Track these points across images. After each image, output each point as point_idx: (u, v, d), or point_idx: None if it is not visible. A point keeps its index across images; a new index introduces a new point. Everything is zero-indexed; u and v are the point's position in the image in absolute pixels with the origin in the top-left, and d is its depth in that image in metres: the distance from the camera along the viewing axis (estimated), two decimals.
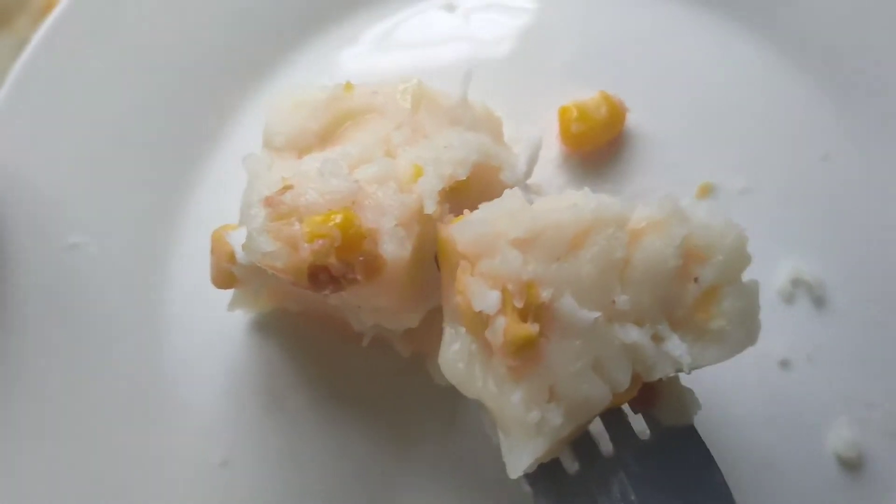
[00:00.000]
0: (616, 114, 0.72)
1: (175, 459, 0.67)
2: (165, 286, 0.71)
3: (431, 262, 0.62)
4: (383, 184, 0.56)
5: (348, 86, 0.65)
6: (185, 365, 0.69)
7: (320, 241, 0.52)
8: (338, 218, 0.52)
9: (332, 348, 0.68)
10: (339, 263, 0.52)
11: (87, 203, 0.73)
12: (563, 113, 0.72)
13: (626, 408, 0.58)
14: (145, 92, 0.76)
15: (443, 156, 0.59)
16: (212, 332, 0.69)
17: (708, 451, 0.57)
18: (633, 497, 0.54)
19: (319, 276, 0.53)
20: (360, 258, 0.53)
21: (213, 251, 0.61)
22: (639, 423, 0.57)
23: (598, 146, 0.73)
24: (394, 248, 0.54)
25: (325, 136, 0.63)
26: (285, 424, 0.67)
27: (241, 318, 0.69)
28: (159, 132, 0.75)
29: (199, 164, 0.75)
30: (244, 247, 0.55)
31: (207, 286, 0.64)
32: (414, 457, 0.66)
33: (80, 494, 0.65)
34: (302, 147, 0.62)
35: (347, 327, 0.64)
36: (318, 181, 0.55)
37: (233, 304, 0.64)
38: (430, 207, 0.56)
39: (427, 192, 0.56)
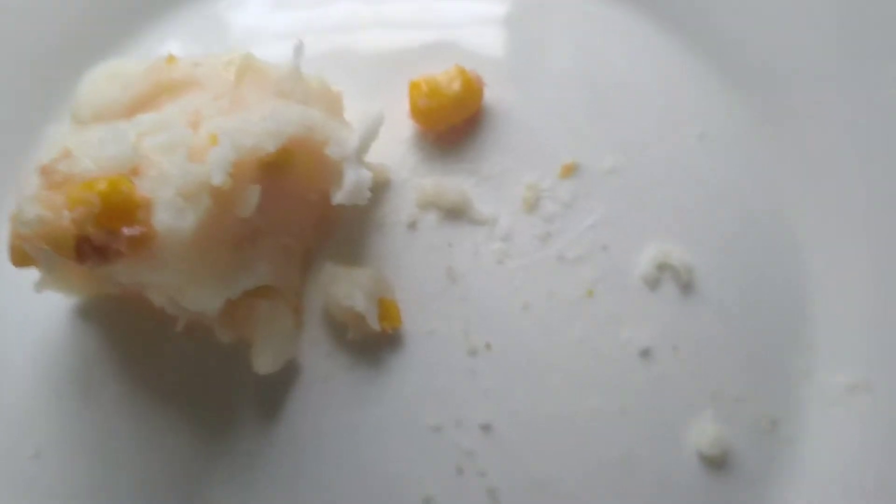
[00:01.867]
0: (471, 89, 0.67)
1: None
2: None
3: (242, 239, 0.58)
4: (171, 152, 0.53)
5: (170, 58, 0.62)
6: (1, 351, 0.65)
7: (80, 209, 0.48)
8: (102, 185, 0.49)
9: (152, 335, 0.65)
10: (101, 233, 0.49)
11: None
12: (413, 88, 0.67)
13: None
14: None
15: (246, 126, 0.55)
16: (31, 318, 0.66)
17: None
18: None
19: (84, 247, 0.49)
20: (126, 229, 0.49)
21: (10, 229, 0.57)
22: None
23: (453, 124, 0.69)
24: (169, 219, 0.51)
25: (135, 109, 0.59)
26: (100, 415, 0.63)
27: (61, 303, 0.65)
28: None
29: (26, 141, 0.71)
30: (14, 217, 0.52)
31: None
32: (234, 451, 0.62)
33: None
34: (108, 119, 0.58)
35: (166, 311, 0.60)
36: (96, 148, 0.52)
37: (40, 285, 0.60)
38: (218, 178, 0.52)
39: (217, 163, 0.53)
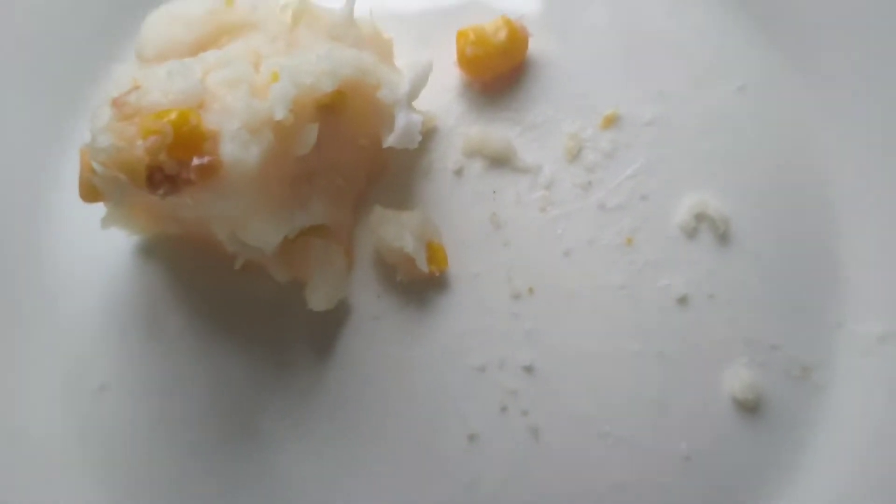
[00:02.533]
0: (517, 39, 0.69)
1: (53, 383, 0.66)
2: (46, 207, 0.70)
3: (299, 178, 0.60)
4: (235, 87, 0.55)
5: (229, 0, 0.63)
6: (63, 286, 0.68)
7: (152, 138, 0.50)
8: (172, 115, 0.51)
9: (212, 274, 0.67)
10: (173, 162, 0.50)
11: None
12: (461, 37, 0.69)
13: None
14: (32, 18, 0.74)
15: (305, 65, 0.57)
16: (95, 255, 0.68)
17: None
18: None
19: (155, 175, 0.51)
20: (196, 159, 0.51)
21: (81, 164, 0.59)
22: None
23: (498, 73, 0.70)
24: (235, 150, 0.52)
25: (198, 49, 0.61)
26: (164, 350, 0.66)
27: (123, 242, 0.68)
28: (45, 49, 0.73)
29: (88, 81, 0.72)
30: (87, 147, 0.54)
31: (91, 207, 0.62)
32: (288, 386, 0.64)
33: None
34: (173, 57, 0.60)
35: (225, 250, 0.62)
36: (164, 82, 0.54)
37: (106, 221, 0.63)
38: (280, 114, 0.54)
39: (278, 98, 0.54)
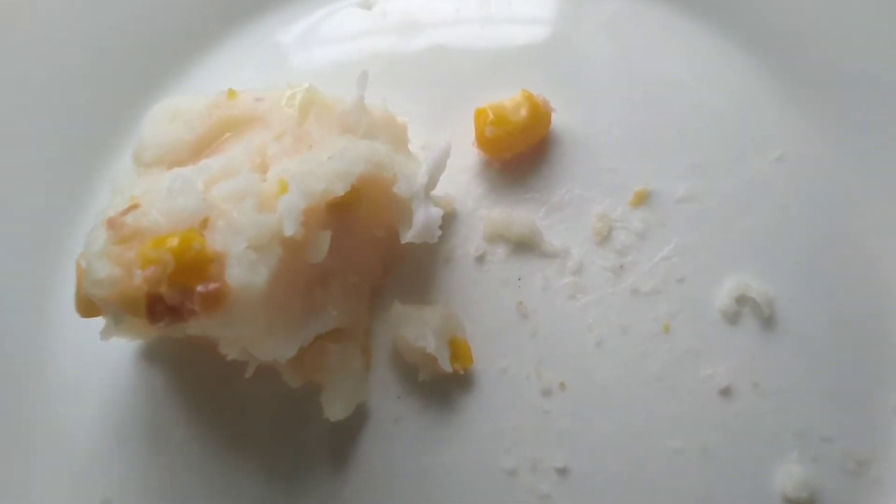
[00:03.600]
0: (539, 115, 0.65)
1: (55, 497, 0.62)
2: (50, 313, 0.67)
3: (312, 284, 0.56)
4: (241, 201, 0.51)
5: (231, 93, 0.60)
6: (65, 398, 0.65)
7: (152, 268, 0.46)
8: (174, 241, 0.47)
9: (220, 379, 0.63)
10: (175, 292, 0.47)
11: None
12: (479, 116, 0.65)
13: None
14: (32, 103, 0.71)
15: (316, 169, 0.53)
16: (97, 362, 0.65)
17: None
18: None
19: (156, 306, 0.47)
20: (199, 287, 0.47)
21: (77, 278, 0.56)
22: None
23: (519, 151, 0.66)
24: (242, 273, 0.49)
25: (201, 149, 0.58)
26: (169, 460, 0.62)
27: (127, 347, 0.64)
28: (53, 143, 0.71)
29: (85, 185, 0.70)
30: (83, 274, 0.50)
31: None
32: (307, 497, 0.60)
33: None
34: (173, 161, 0.57)
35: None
36: (164, 200, 0.50)
37: (105, 333, 0.59)
38: (290, 229, 0.50)
39: (288, 212, 0.51)
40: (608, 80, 0.69)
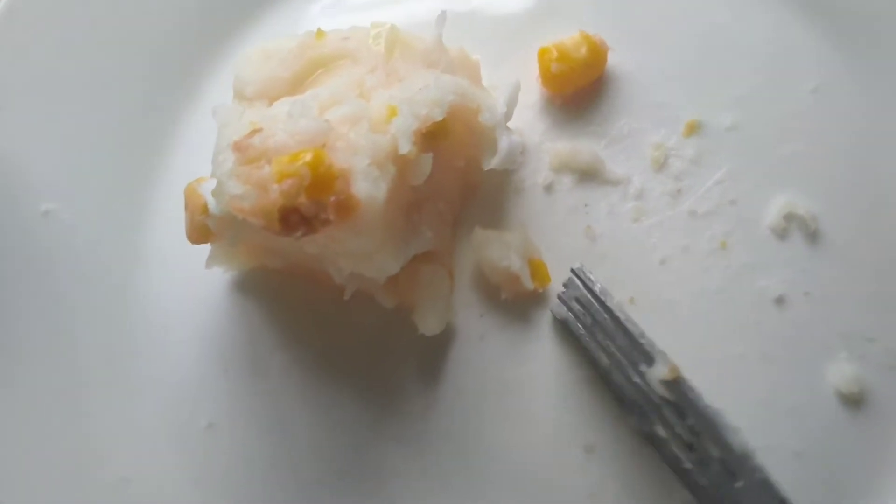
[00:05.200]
0: (597, 53, 0.70)
1: (160, 423, 0.66)
2: (142, 249, 0.70)
3: (410, 206, 0.60)
4: (356, 124, 0.55)
5: (319, 33, 0.63)
6: (165, 328, 0.68)
7: (289, 181, 0.50)
8: (307, 157, 0.51)
9: (314, 305, 0.67)
10: (310, 203, 0.50)
11: (58, 169, 0.71)
12: (543, 54, 0.70)
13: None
14: (114, 53, 0.74)
15: (418, 96, 0.57)
16: (192, 294, 0.68)
17: None
18: None
19: (290, 217, 0.51)
20: (332, 198, 0.51)
21: (186, 205, 0.59)
22: None
23: (580, 87, 0.71)
24: (367, 187, 0.52)
25: (297, 84, 0.61)
26: (270, 384, 0.66)
27: (221, 279, 0.68)
28: (130, 91, 0.74)
29: (172, 123, 0.73)
30: (214, 193, 0.53)
31: (185, 246, 0.62)
32: (401, 413, 0.65)
33: (64, 461, 0.64)
34: (273, 95, 0.61)
35: (329, 281, 0.63)
36: (287, 123, 0.53)
37: (210, 261, 0.62)
38: (405, 147, 0.54)
39: (402, 132, 0.54)
40: (657, 21, 0.74)
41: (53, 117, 0.72)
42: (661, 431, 0.59)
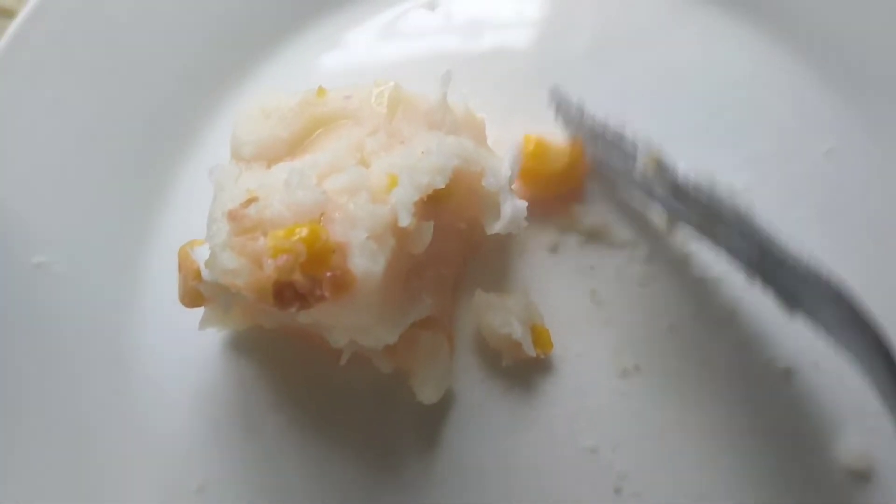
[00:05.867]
0: (577, 165, 0.68)
1: (150, 486, 0.64)
2: (135, 306, 0.68)
3: (409, 274, 0.59)
4: (355, 194, 0.53)
5: (320, 91, 0.62)
6: (157, 387, 0.66)
7: (284, 257, 0.49)
8: (303, 231, 0.49)
9: (309, 366, 0.65)
10: (305, 280, 0.49)
11: (52, 221, 0.70)
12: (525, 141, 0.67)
13: None
14: (111, 103, 0.73)
15: (419, 163, 0.56)
16: (184, 353, 0.66)
17: None
18: None
19: (285, 293, 0.49)
20: (328, 274, 0.49)
21: (180, 268, 0.58)
22: None
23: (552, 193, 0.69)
24: (364, 262, 0.51)
25: (296, 145, 0.60)
26: (263, 447, 0.64)
27: (214, 337, 0.66)
28: (126, 145, 0.72)
29: (168, 178, 0.72)
30: (207, 264, 0.52)
31: (178, 305, 0.61)
32: (398, 480, 0.63)
33: None
34: (271, 157, 0.59)
35: (325, 343, 0.61)
36: (284, 193, 0.52)
37: (203, 323, 0.61)
38: (406, 220, 0.52)
39: (402, 204, 0.53)
40: (666, 79, 0.72)
41: (47, 169, 0.71)
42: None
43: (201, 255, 0.56)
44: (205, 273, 0.54)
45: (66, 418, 0.65)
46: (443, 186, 0.56)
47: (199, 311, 0.63)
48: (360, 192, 0.53)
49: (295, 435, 0.64)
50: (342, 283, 0.49)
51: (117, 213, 0.70)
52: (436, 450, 0.63)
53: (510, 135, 0.67)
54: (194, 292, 0.56)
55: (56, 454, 0.64)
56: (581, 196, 0.70)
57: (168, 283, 0.63)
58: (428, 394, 0.61)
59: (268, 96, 0.62)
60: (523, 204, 0.61)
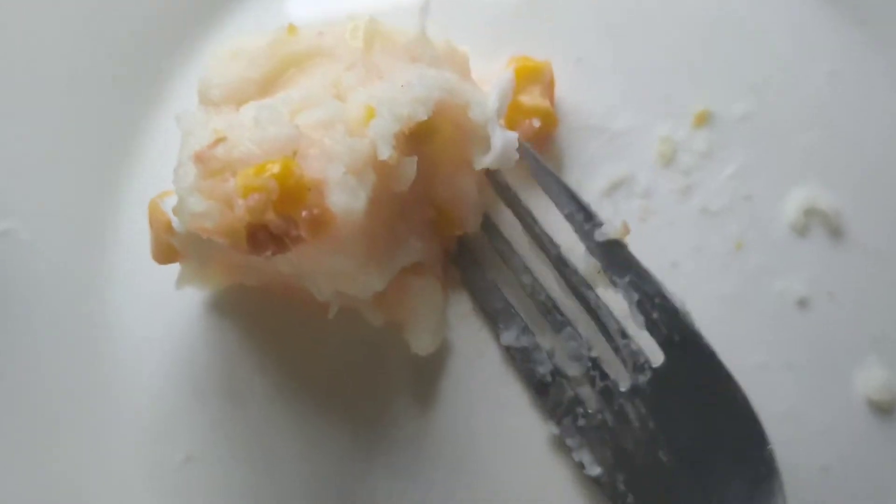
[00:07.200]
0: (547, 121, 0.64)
1: (134, 458, 0.61)
2: (108, 269, 0.64)
3: (394, 216, 0.55)
4: (330, 129, 0.50)
5: (291, 28, 0.58)
6: (136, 355, 0.63)
7: (255, 196, 0.45)
8: (275, 168, 0.46)
9: (296, 324, 0.61)
10: (280, 220, 0.45)
11: (13, 185, 0.65)
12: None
13: (636, 334, 0.57)
14: (70, 54, 0.68)
15: (399, 95, 0.52)
16: (163, 316, 0.63)
17: (726, 368, 0.55)
18: (651, 424, 0.55)
19: (258, 235, 0.46)
20: (304, 213, 0.46)
21: (150, 223, 0.54)
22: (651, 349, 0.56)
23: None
24: (344, 198, 0.47)
25: (267, 86, 0.56)
26: (251, 413, 0.61)
27: (194, 299, 0.62)
28: (90, 95, 0.67)
29: (136, 129, 0.67)
30: (174, 210, 0.48)
31: (154, 265, 0.58)
32: (393, 439, 0.60)
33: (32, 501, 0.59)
34: (241, 99, 0.55)
35: (311, 298, 0.57)
36: (254, 130, 0.48)
37: (180, 281, 0.57)
38: (385, 152, 0.49)
39: (381, 136, 0.49)
40: (661, 7, 0.68)
41: (6, 130, 0.66)
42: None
43: (170, 206, 0.52)
44: (175, 223, 0.50)
45: (38, 392, 0.62)
46: (425, 118, 0.52)
47: (177, 271, 0.59)
48: (335, 126, 0.49)
49: (284, 398, 0.61)
50: (321, 222, 0.46)
51: (84, 170, 0.66)
52: (433, 405, 0.60)
53: (494, 69, 0.63)
54: (167, 246, 0.53)
55: (28, 432, 0.61)
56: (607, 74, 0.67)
57: (141, 243, 0.59)
58: (423, 344, 0.57)
59: (236, 38, 0.58)
60: (514, 135, 0.57)
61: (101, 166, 0.66)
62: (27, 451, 0.61)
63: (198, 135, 0.51)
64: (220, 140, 0.48)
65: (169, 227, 0.52)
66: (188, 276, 0.57)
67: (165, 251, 0.53)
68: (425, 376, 0.60)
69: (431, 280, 0.59)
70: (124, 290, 0.64)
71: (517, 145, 0.57)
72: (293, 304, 0.61)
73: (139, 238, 0.60)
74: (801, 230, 0.63)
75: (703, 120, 0.65)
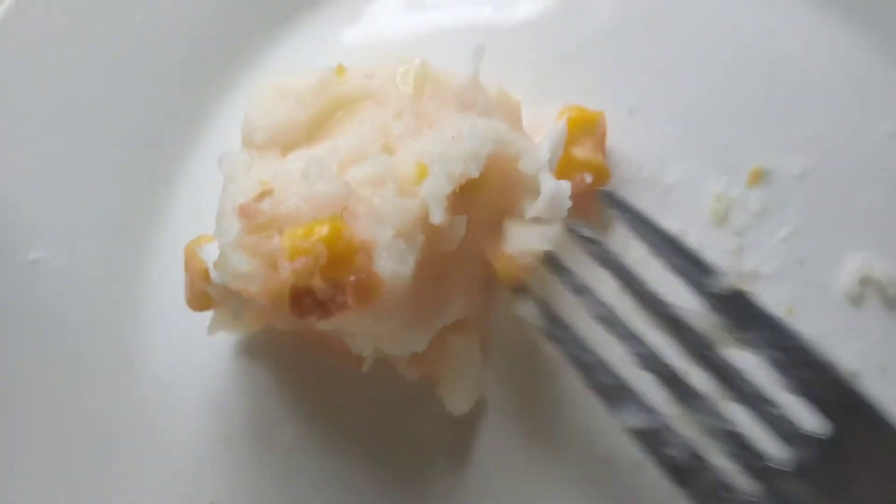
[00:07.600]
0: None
1: (159, 501, 0.59)
2: (140, 306, 0.63)
3: (438, 277, 0.53)
4: (380, 186, 0.48)
5: (340, 69, 0.56)
6: (164, 396, 0.61)
7: (302, 259, 0.43)
8: (323, 230, 0.44)
9: (328, 373, 0.60)
10: (326, 285, 0.43)
11: (49, 213, 0.64)
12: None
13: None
14: (114, 87, 0.67)
15: (451, 150, 0.50)
16: (194, 358, 0.61)
17: None
18: None
19: (303, 300, 0.44)
20: (351, 278, 0.44)
21: (186, 268, 0.53)
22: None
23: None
24: (392, 264, 0.45)
25: (314, 129, 0.54)
26: (279, 461, 0.59)
27: (226, 341, 0.61)
28: (130, 131, 0.66)
29: (175, 167, 0.66)
30: (216, 265, 0.46)
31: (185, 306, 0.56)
32: (424, 497, 0.58)
33: None
34: (286, 143, 0.53)
35: (345, 348, 0.55)
36: (301, 184, 0.46)
37: (213, 328, 0.56)
38: (438, 217, 0.47)
39: (434, 198, 0.47)
40: (719, 51, 0.66)
41: (44, 158, 0.65)
42: None
43: (209, 252, 0.50)
44: (213, 275, 0.49)
45: (65, 430, 0.61)
46: (477, 176, 0.50)
47: (209, 314, 0.57)
48: (385, 184, 0.47)
49: (313, 447, 0.59)
50: (367, 288, 0.44)
51: (119, 204, 0.65)
52: (466, 465, 0.58)
53: (545, 117, 0.61)
54: (202, 295, 0.51)
55: (55, 469, 0.60)
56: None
57: (174, 282, 0.58)
58: (458, 403, 0.56)
59: (283, 76, 0.56)
60: (566, 184, 0.55)
61: (138, 201, 0.65)
62: (52, 490, 0.59)
63: (241, 182, 0.49)
64: (265, 193, 0.47)
65: (205, 275, 0.50)
66: (221, 323, 0.55)
67: (201, 298, 0.52)
68: (460, 435, 0.58)
69: (471, 337, 0.57)
70: (155, 325, 0.63)
71: (569, 193, 0.55)
72: (327, 351, 0.59)
73: (172, 275, 0.59)
74: (856, 299, 0.60)
75: (759, 178, 0.63)
